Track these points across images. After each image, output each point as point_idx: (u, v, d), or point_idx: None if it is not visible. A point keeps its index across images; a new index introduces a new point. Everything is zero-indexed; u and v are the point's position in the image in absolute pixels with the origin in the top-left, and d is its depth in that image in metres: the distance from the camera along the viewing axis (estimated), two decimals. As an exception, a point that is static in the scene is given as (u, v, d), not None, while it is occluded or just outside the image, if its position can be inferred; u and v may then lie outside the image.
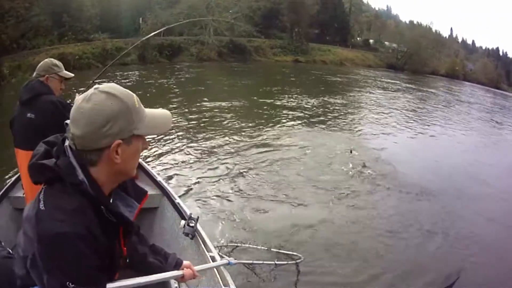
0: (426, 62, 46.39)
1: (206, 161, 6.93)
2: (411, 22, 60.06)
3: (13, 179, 3.35)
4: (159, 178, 3.41)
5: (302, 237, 4.62)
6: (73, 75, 3.03)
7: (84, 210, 1.01)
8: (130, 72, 16.83)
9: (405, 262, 4.32)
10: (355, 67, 37.47)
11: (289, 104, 13.28)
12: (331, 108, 13.35)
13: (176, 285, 2.50)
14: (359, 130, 10.70)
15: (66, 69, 2.92)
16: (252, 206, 5.35)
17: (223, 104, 11.99)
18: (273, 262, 3.42)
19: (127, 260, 1.40)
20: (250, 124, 9.81)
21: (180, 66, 20.47)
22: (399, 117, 13.68)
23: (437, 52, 53.47)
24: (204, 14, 25.43)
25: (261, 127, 9.72)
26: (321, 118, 11.39)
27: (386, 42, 48.41)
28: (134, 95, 1.07)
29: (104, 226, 1.05)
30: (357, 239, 4.74)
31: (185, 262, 1.76)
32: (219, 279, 2.23)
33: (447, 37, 75.66)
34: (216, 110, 11.04)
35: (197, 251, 2.56)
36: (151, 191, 3.24)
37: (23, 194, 3.07)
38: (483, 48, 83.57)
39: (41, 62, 2.90)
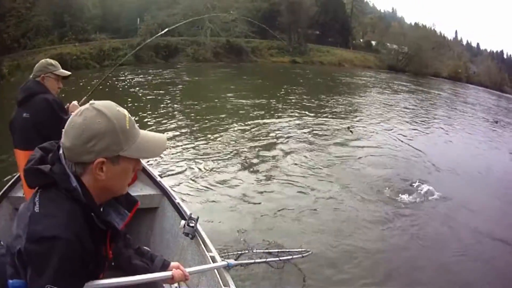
0: (427, 64, 46.71)
1: (206, 160, 7.10)
2: (416, 24, 59.81)
3: (13, 179, 3.43)
4: (159, 178, 3.49)
5: (308, 234, 4.70)
6: (69, 73, 3.14)
7: (76, 217, 1.06)
8: (127, 73, 17.27)
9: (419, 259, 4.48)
10: (354, 68, 37.98)
11: (273, 104, 13.74)
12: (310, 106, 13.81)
13: (176, 284, 2.53)
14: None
15: (63, 69, 3.07)
16: (253, 205, 5.48)
17: (218, 104, 12.49)
18: (277, 259, 3.37)
19: (112, 263, 1.46)
20: (247, 125, 10.08)
21: (176, 66, 21.07)
22: (392, 118, 13.96)
23: (439, 54, 53.43)
24: (202, 14, 26.13)
25: (258, 127, 9.97)
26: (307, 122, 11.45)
27: (388, 44, 48.57)
28: (127, 116, 1.12)
29: (93, 232, 1.11)
30: (364, 237, 4.84)
31: (173, 263, 1.76)
32: (219, 279, 2.26)
33: (451, 39, 75.72)
34: (210, 110, 11.39)
35: (197, 251, 2.61)
36: (151, 191, 3.35)
37: (23, 194, 3.15)
38: (488, 51, 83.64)
39: (37, 63, 3.00)
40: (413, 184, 6.72)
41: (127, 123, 1.11)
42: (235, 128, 9.64)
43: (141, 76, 17.10)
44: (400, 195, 6.28)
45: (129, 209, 1.31)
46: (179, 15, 24.88)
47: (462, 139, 12.38)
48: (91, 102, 1.10)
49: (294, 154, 7.93)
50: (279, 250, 3.68)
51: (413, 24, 61.09)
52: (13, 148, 3.28)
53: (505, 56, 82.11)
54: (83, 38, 19.94)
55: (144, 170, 3.44)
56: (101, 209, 1.19)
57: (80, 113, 1.07)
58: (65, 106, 3.17)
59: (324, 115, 12.68)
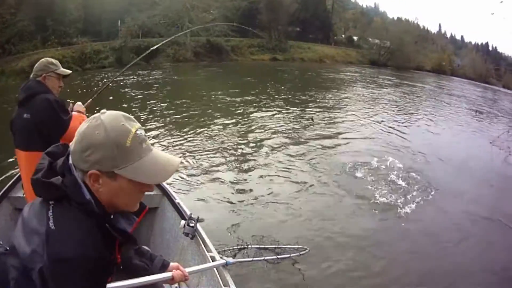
0: (410, 58, 47.50)
1: (196, 158, 7.37)
2: (398, 18, 61.14)
3: (13, 179, 3.47)
4: None
5: (306, 231, 4.91)
6: (70, 72, 3.13)
7: (93, 231, 1.07)
8: (109, 75, 17.74)
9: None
10: (335, 64, 39.12)
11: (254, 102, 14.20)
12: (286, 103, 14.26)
13: (176, 284, 2.59)
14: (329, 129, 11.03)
15: None
16: (249, 202, 5.69)
17: (204, 103, 12.95)
18: (275, 257, 3.43)
19: (121, 267, 1.50)
20: (236, 122, 10.54)
21: (158, 67, 21.64)
22: (375, 111, 14.56)
23: (422, 48, 54.44)
24: (181, 15, 27.20)
25: (248, 125, 10.40)
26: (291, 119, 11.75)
27: (370, 39, 49.88)
28: (133, 133, 1.08)
29: (106, 241, 1.12)
30: (361, 232, 5.10)
31: (172, 264, 1.82)
32: (219, 279, 2.31)
33: (435, 32, 77.06)
34: (197, 109, 11.80)
35: (197, 251, 2.65)
36: (151, 191, 3.77)
37: (23, 194, 3.15)
38: (473, 43, 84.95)
39: (37, 63, 2.97)
40: (403, 174, 7.14)
41: (129, 140, 1.08)
42: (224, 126, 10.06)
43: (130, 78, 17.54)
44: (389, 185, 6.62)
45: (137, 214, 1.30)
46: (159, 16, 25.99)
47: (446, 129, 12.96)
48: (102, 111, 1.10)
49: (286, 150, 8.34)
50: (277, 246, 3.74)
51: (395, 18, 61.98)
52: (9, 148, 3.29)
53: (490, 48, 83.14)
54: (66, 41, 20.35)
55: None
56: (111, 217, 1.18)
57: (88, 120, 1.08)
58: (69, 106, 3.25)
59: (310, 109, 13.38)
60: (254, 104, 13.43)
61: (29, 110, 2.83)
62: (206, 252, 2.57)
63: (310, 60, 37.45)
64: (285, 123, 10.97)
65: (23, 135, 2.87)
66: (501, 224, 5.93)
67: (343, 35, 50.53)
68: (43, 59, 3.00)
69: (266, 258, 3.36)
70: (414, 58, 48.86)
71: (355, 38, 50.17)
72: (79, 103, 3.36)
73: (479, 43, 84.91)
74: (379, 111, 14.83)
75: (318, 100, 15.73)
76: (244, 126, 10.26)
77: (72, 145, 1.08)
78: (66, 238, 1.03)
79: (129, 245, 1.39)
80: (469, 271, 4.55)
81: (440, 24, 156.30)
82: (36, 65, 2.96)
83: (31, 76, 2.96)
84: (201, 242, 2.66)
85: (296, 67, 30.34)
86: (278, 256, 3.48)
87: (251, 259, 3.18)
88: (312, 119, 8.99)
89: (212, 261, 2.45)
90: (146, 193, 1.25)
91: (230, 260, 2.46)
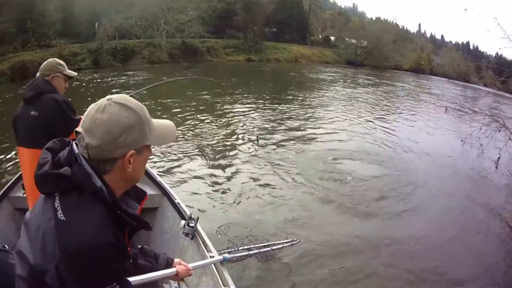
0: (387, 57, 48.86)
1: (198, 160, 7.75)
2: (377, 18, 62.86)
3: (13, 179, 3.50)
4: (159, 178, 3.62)
5: (296, 225, 5.36)
6: (76, 73, 3.24)
7: (107, 217, 1.08)
8: (85, 77, 17.67)
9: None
10: (311, 64, 40.58)
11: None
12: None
13: (176, 284, 2.69)
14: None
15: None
16: (243, 200, 6.05)
17: (182, 103, 13.29)
18: (269, 249, 3.56)
19: (131, 260, 1.60)
20: (218, 122, 11.01)
21: (132, 69, 21.96)
22: (348, 110, 15.39)
23: (401, 47, 55.70)
24: (158, 16, 28.22)
25: (228, 123, 10.97)
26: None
27: (347, 39, 50.94)
28: (144, 107, 1.16)
29: (119, 229, 1.13)
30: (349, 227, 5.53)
31: (176, 260, 1.91)
32: (219, 279, 2.39)
33: (414, 32, 79.44)
34: (176, 109, 12.17)
35: (197, 251, 2.70)
36: (151, 191, 3.43)
37: (24, 194, 3.18)
38: (453, 42, 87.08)
39: (45, 62, 3.05)
40: (377, 173, 7.81)
41: (147, 114, 1.16)
42: (204, 126, 10.50)
43: (97, 80, 17.98)
44: (365, 183, 7.20)
45: (138, 201, 1.33)
46: (135, 18, 27.05)
47: (419, 128, 13.57)
48: (108, 97, 1.12)
49: (270, 149, 8.91)
50: (271, 242, 3.80)
51: (374, 18, 63.65)
52: (7, 147, 3.74)
53: (471, 47, 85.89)
54: (45, 44, 20.83)
55: (144, 170, 3.06)
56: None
57: (103, 110, 1.08)
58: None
59: (285, 108, 14.22)
60: (230, 104, 14.06)
61: (37, 108, 2.90)
62: (206, 252, 2.62)
63: (286, 60, 38.79)
64: (263, 121, 11.72)
65: (28, 132, 2.92)
66: (475, 222, 6.29)
67: (320, 36, 51.89)
68: (51, 59, 3.10)
69: (261, 250, 3.49)
70: (391, 58, 50.06)
71: (332, 38, 51.43)
72: None
73: (460, 42, 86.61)
74: (351, 110, 15.67)
75: (291, 99, 16.67)
76: (223, 126, 10.76)
77: (94, 140, 1.06)
78: (80, 227, 1.02)
79: (135, 233, 1.33)
80: (447, 267, 4.83)
81: (420, 24, 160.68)
82: (44, 64, 3.04)
83: (38, 74, 3.02)
84: (201, 242, 2.72)
85: (271, 67, 31.47)
86: (272, 248, 3.63)
87: (246, 253, 3.25)
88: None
89: (216, 268, 2.51)
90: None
91: (227, 255, 2.59)
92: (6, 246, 1.64)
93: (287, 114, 13.39)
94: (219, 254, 2.66)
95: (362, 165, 8.28)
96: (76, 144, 1.12)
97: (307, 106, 15.36)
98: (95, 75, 19.20)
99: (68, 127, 2.80)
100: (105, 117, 1.07)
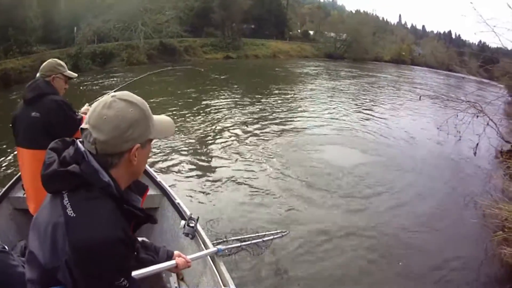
0: (367, 49, 50.17)
1: (195, 160, 7.93)
2: (357, 11, 64.24)
3: (13, 179, 3.54)
4: (159, 178, 3.71)
5: (285, 218, 5.67)
6: (76, 75, 3.34)
7: (116, 212, 1.14)
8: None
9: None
10: (290, 59, 41.40)
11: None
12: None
13: (176, 285, 2.81)
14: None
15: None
16: (235, 195, 6.35)
17: (166, 102, 13.53)
18: (260, 240, 3.66)
19: (135, 253, 1.68)
20: (204, 120, 11.27)
21: (111, 71, 22.42)
22: (326, 102, 16.04)
23: (381, 39, 57.48)
24: (135, 18, 28.79)
25: (212, 122, 11.16)
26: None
27: (326, 32, 52.27)
28: (146, 103, 1.23)
29: (126, 222, 1.19)
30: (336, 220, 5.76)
31: (175, 252, 2.06)
32: (219, 279, 2.47)
33: (395, 23, 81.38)
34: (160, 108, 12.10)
35: (197, 251, 2.76)
36: (151, 191, 3.36)
37: (23, 194, 3.23)
38: (435, 32, 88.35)
39: (45, 63, 3.11)
40: (354, 165, 8.04)
41: (149, 109, 1.23)
42: (189, 123, 10.88)
43: (76, 84, 17.42)
44: (345, 175, 7.48)
45: (140, 194, 1.38)
46: (113, 20, 27.59)
47: (397, 117, 14.04)
48: (112, 94, 1.20)
49: (254, 142, 9.32)
50: (262, 233, 3.91)
51: (353, 11, 64.94)
52: (3, 149, 3.63)
53: (453, 36, 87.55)
54: (26, 51, 20.88)
55: (144, 170, 3.17)
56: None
57: (109, 106, 1.14)
58: (80, 112, 3.37)
59: (264, 102, 14.81)
60: (210, 101, 14.51)
61: (39, 109, 2.92)
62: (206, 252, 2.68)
63: (264, 56, 39.73)
64: (246, 117, 12.06)
65: (29, 133, 2.94)
66: (452, 211, 6.47)
67: (298, 30, 52.97)
68: (51, 60, 3.12)
69: (253, 241, 3.57)
70: (371, 50, 51.41)
71: (311, 32, 52.70)
72: (87, 106, 3.60)
73: (442, 32, 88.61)
74: (328, 102, 16.39)
75: (270, 94, 17.20)
76: (206, 122, 11.14)
77: (102, 135, 1.12)
78: (90, 222, 1.07)
79: (139, 227, 1.34)
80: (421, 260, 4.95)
81: (400, 15, 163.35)
82: (44, 65, 3.07)
83: (38, 75, 3.05)
84: (201, 242, 2.78)
85: (249, 64, 32.32)
86: (264, 239, 3.73)
87: (239, 244, 3.34)
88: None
89: (212, 261, 2.59)
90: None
91: (221, 247, 2.67)
92: (6, 247, 1.63)
93: (268, 109, 13.76)
94: (213, 245, 2.77)
95: (341, 154, 8.65)
96: (81, 142, 1.17)
97: (287, 100, 15.93)
98: (75, 79, 18.57)
99: (70, 127, 2.93)
100: (112, 112, 1.13)
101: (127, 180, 1.27)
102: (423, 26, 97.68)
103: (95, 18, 26.71)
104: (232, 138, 9.69)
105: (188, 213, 3.13)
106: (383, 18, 72.67)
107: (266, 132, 10.49)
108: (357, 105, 16.17)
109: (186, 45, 32.18)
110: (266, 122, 11.62)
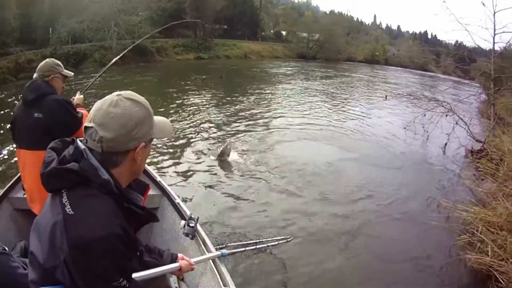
0: (340, 49, 51.86)
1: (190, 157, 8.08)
2: (331, 11, 66.31)
3: (13, 179, 3.64)
4: (159, 178, 3.84)
5: (294, 225, 5.61)
6: (72, 74, 3.44)
7: (115, 210, 1.17)
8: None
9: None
10: (261, 59, 42.60)
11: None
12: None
13: (176, 285, 2.87)
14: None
15: None
16: (236, 198, 6.33)
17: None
18: (265, 245, 3.75)
19: (138, 253, 1.73)
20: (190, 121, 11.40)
21: (84, 72, 21.91)
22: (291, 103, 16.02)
23: (354, 39, 59.57)
24: (109, 19, 29.78)
25: (195, 119, 11.43)
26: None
27: (298, 33, 53.56)
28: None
29: (126, 221, 1.22)
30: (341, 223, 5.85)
31: (179, 255, 2.10)
32: (219, 279, 2.51)
33: (369, 24, 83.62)
34: None
35: (197, 252, 2.86)
36: (151, 191, 3.28)
37: (24, 194, 3.31)
38: (410, 32, 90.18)
39: (43, 63, 3.17)
40: (321, 168, 8.00)
41: (151, 107, 1.28)
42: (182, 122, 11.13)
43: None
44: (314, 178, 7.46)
45: (141, 193, 1.42)
46: (87, 21, 28.43)
47: (364, 118, 14.04)
48: (117, 93, 1.24)
49: (242, 140, 9.57)
50: (267, 239, 3.97)
51: (328, 12, 66.91)
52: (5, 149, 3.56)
53: (429, 36, 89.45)
54: (4, 52, 21.26)
55: (144, 170, 3.52)
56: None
57: (115, 104, 1.19)
58: (75, 101, 3.50)
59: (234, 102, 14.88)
60: (179, 100, 14.73)
61: (41, 110, 3.00)
62: (206, 252, 2.77)
63: (235, 57, 40.79)
64: (218, 117, 12.18)
65: (31, 134, 3.01)
66: (416, 213, 6.45)
67: (271, 31, 54.42)
68: (48, 60, 3.19)
69: (257, 247, 3.59)
70: (344, 50, 53.10)
71: (283, 33, 53.99)
72: (81, 96, 3.67)
73: (417, 32, 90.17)
74: (293, 102, 16.48)
75: (240, 95, 17.15)
76: (184, 121, 11.34)
77: (109, 133, 1.17)
78: (89, 219, 1.10)
79: (142, 226, 1.39)
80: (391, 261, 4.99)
81: (375, 15, 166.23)
82: (42, 65, 3.14)
83: (36, 75, 3.11)
84: (201, 242, 2.86)
85: (220, 64, 32.55)
86: (268, 244, 3.76)
87: (244, 248, 3.32)
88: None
89: (212, 261, 2.67)
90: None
91: (226, 251, 2.77)
92: (7, 249, 1.69)
93: (237, 110, 13.73)
94: (217, 249, 2.81)
95: (309, 164, 8.27)
96: (83, 140, 1.23)
97: (255, 102, 15.90)
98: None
99: (73, 126, 3.02)
100: (119, 111, 1.18)
101: (128, 179, 1.32)
102: (398, 26, 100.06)
103: (70, 19, 27.44)
104: (201, 140, 9.68)
105: (188, 213, 3.15)
106: (357, 19, 75.08)
107: (236, 130, 10.69)
108: (320, 106, 16.08)
109: (158, 46, 32.99)
110: (234, 122, 11.69)
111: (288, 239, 4.17)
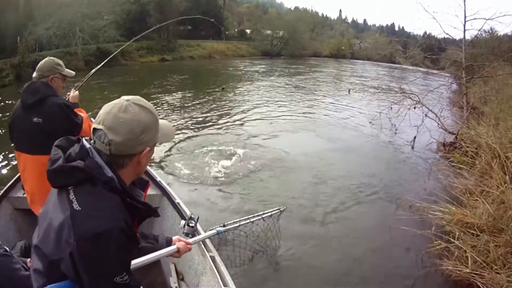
0: (305, 45, 54.11)
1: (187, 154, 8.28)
2: (296, 8, 68.74)
3: (13, 179, 3.73)
4: (159, 178, 3.95)
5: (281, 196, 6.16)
6: (74, 73, 3.35)
7: (119, 205, 1.26)
8: (7, 93, 17.12)
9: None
10: (225, 58, 44.15)
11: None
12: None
13: (176, 284, 2.97)
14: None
15: None
16: (230, 182, 6.76)
17: None
18: (259, 218, 3.88)
19: (138, 245, 1.74)
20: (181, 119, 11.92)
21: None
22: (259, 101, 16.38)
23: (319, 35, 62.15)
24: (74, 24, 31.09)
25: (188, 122, 11.69)
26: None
27: (262, 30, 55.56)
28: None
29: (129, 215, 1.31)
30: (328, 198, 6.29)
31: (175, 238, 2.20)
32: (219, 279, 2.58)
33: (335, 19, 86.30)
34: None
35: (197, 251, 2.94)
36: (151, 191, 3.65)
37: (24, 194, 3.38)
38: (377, 25, 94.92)
39: (42, 62, 3.14)
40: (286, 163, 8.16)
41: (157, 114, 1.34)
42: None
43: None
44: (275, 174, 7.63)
45: (142, 189, 1.54)
46: (53, 28, 29.84)
47: (329, 114, 14.25)
48: (126, 98, 1.33)
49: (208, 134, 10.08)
50: (260, 212, 4.09)
51: (292, 8, 69.79)
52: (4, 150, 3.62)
53: (396, 29, 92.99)
54: None
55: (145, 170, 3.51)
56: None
57: (125, 110, 1.28)
58: (67, 97, 3.52)
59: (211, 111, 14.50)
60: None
61: (40, 114, 3.03)
62: (206, 252, 2.86)
63: (199, 57, 42.15)
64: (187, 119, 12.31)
65: (31, 139, 3.05)
66: (384, 214, 6.30)
67: (236, 30, 56.39)
68: (49, 59, 3.19)
69: (252, 220, 3.76)
70: (309, 45, 55.40)
71: (248, 31, 56.16)
72: (76, 93, 3.64)
73: (384, 25, 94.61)
74: (255, 102, 16.57)
75: (202, 96, 17.51)
76: (185, 119, 11.84)
77: (118, 136, 1.26)
78: (95, 214, 1.18)
79: (153, 216, 1.48)
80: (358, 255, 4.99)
81: (340, 10, 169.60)
82: (42, 65, 3.13)
83: (36, 76, 3.12)
84: (201, 242, 2.91)
85: (184, 65, 33.95)
86: (263, 216, 3.93)
87: (238, 224, 3.46)
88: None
89: (212, 261, 2.75)
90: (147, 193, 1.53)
91: (221, 228, 2.94)
92: (8, 250, 1.73)
93: (209, 110, 14.06)
94: (212, 228, 3.02)
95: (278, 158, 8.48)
96: (89, 140, 1.32)
97: (219, 100, 16.40)
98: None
99: (72, 129, 3.10)
100: (129, 116, 1.27)
101: (131, 179, 1.43)
102: (365, 20, 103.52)
103: (37, 26, 28.59)
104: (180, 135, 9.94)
105: (188, 213, 3.21)
106: (322, 14, 78.12)
107: (201, 127, 11.04)
108: (277, 104, 16.29)
109: (122, 49, 34.26)
110: (202, 124, 11.83)
111: (282, 209, 4.30)
